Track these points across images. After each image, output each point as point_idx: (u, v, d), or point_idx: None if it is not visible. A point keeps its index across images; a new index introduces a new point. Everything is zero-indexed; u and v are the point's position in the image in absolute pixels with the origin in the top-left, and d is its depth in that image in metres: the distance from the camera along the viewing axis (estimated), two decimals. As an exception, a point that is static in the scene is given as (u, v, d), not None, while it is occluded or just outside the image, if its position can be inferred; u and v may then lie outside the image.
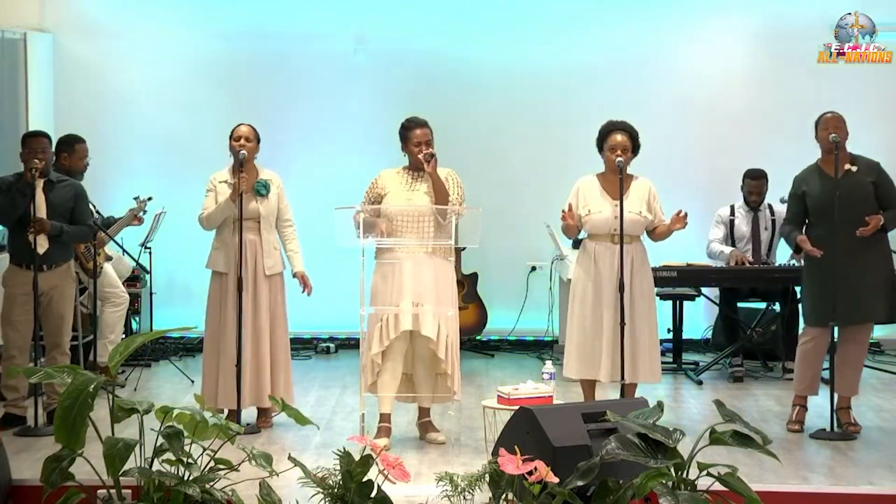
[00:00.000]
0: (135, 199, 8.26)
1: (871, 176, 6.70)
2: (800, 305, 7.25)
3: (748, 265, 8.55)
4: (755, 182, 8.77)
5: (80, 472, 4.46)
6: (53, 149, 7.63)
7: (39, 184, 6.72)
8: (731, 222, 8.85)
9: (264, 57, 9.89)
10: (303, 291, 7.01)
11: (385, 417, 6.51)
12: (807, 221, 6.82)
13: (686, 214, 6.60)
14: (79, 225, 6.91)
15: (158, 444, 4.42)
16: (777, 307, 8.73)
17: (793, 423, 6.79)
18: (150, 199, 8.31)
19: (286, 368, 6.94)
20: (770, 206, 8.76)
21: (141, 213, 8.22)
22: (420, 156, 6.47)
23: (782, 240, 8.61)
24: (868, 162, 6.75)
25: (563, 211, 6.67)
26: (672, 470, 4.28)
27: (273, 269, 6.85)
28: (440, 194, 6.47)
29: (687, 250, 8.64)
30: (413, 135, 6.54)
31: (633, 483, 4.27)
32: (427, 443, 6.50)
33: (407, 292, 6.40)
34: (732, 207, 8.89)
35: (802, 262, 7.04)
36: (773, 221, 8.71)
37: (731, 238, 8.84)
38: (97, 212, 7.94)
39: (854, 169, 6.66)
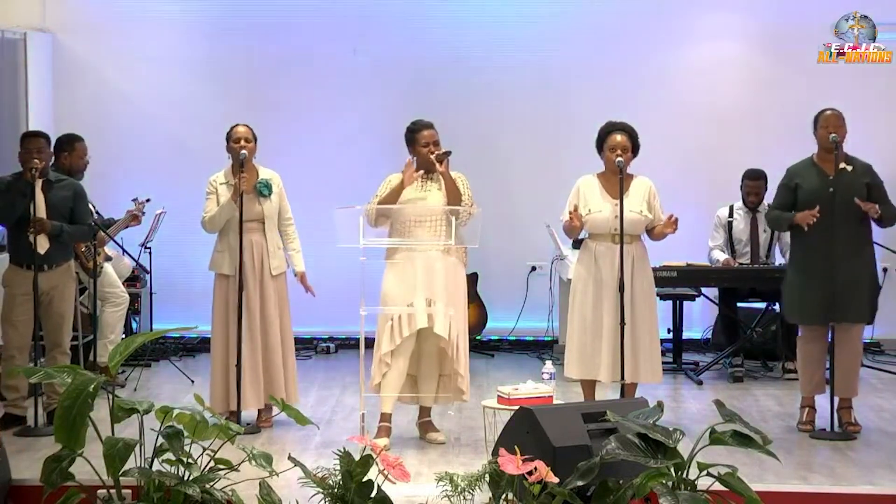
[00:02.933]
0: (133, 200, 8.26)
1: (866, 177, 6.70)
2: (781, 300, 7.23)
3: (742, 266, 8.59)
4: (753, 183, 8.76)
5: (80, 472, 4.46)
6: (52, 149, 7.65)
7: (38, 184, 6.72)
8: (730, 224, 8.85)
9: (264, 57, 9.87)
10: (306, 292, 7.02)
11: (385, 417, 6.50)
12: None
13: (677, 220, 6.60)
14: (78, 224, 6.91)
15: (158, 444, 4.43)
16: (777, 307, 8.72)
17: (804, 424, 6.77)
18: (147, 200, 8.31)
19: (292, 368, 6.96)
20: (769, 207, 8.73)
21: (140, 214, 8.22)
22: (433, 155, 6.46)
23: (780, 241, 8.65)
24: (862, 163, 6.75)
25: (570, 212, 6.65)
26: (672, 470, 4.28)
27: (278, 269, 6.86)
28: (453, 194, 6.47)
29: (687, 250, 8.63)
30: (421, 136, 6.54)
31: (633, 483, 4.27)
32: (427, 443, 6.50)
33: (420, 290, 6.39)
34: (731, 208, 8.89)
35: (786, 257, 7.02)
36: (773, 222, 8.70)
37: (730, 241, 8.84)
38: (96, 212, 7.94)
39: (849, 169, 6.66)
